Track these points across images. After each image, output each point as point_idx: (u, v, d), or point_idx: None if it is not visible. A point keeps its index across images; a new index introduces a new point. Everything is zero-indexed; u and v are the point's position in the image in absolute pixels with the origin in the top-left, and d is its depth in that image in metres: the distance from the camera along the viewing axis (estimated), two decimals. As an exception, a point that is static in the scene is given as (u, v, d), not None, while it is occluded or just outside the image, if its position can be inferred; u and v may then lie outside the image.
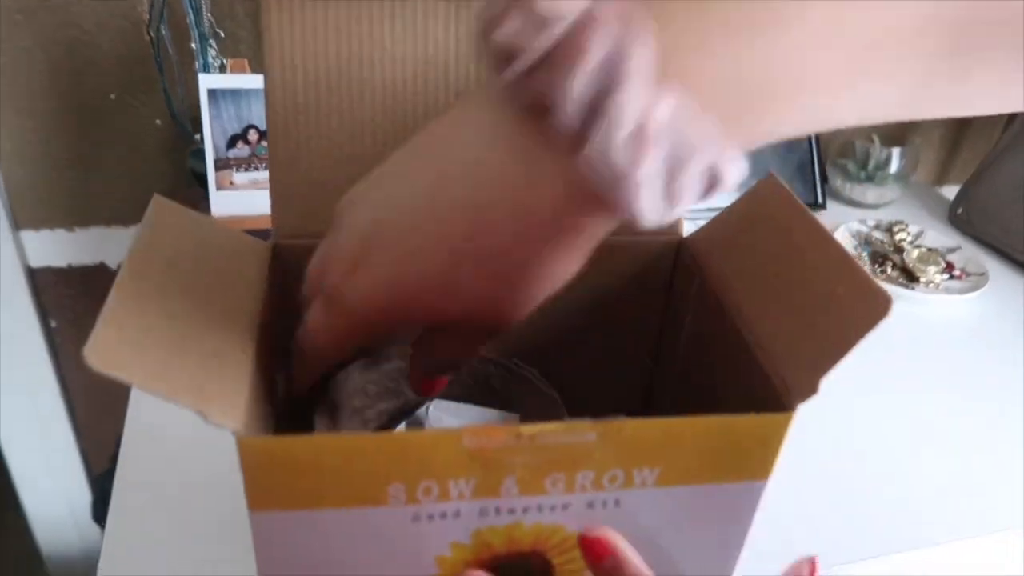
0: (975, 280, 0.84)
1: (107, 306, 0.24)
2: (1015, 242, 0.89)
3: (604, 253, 0.39)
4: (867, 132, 1.00)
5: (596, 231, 0.23)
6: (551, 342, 0.43)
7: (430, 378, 0.32)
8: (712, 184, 0.21)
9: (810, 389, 0.26)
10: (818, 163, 0.99)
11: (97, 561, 0.48)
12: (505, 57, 0.19)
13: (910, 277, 0.84)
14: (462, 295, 0.24)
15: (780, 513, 0.55)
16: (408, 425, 0.39)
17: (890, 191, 0.99)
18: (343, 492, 0.25)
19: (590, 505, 0.27)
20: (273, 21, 0.34)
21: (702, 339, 0.38)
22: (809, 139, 0.99)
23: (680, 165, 0.19)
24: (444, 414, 0.40)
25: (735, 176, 0.21)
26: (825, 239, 0.30)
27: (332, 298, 0.26)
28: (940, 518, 0.56)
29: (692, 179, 0.20)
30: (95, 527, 1.08)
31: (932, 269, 0.84)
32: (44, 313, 0.96)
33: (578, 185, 0.20)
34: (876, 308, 0.25)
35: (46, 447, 1.03)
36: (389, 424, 0.40)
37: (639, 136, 0.19)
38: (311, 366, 0.30)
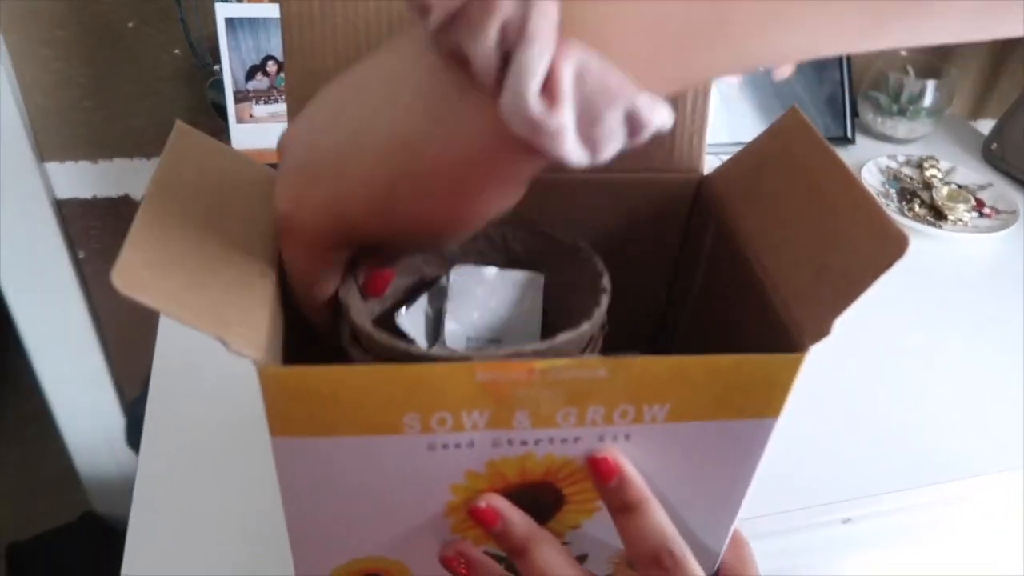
0: (1005, 218, 0.82)
1: (133, 231, 0.24)
2: (1050, 179, 0.87)
3: (623, 188, 0.39)
4: (901, 63, 0.97)
5: (529, 167, 0.24)
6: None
7: (373, 271, 0.33)
8: (636, 129, 0.21)
9: (822, 330, 0.26)
10: (849, 96, 0.96)
11: (132, 483, 0.50)
12: (424, 10, 0.21)
13: (938, 215, 0.82)
14: (400, 218, 0.26)
15: (797, 447, 0.56)
16: (430, 295, 0.38)
17: (922, 125, 0.96)
18: (360, 421, 0.26)
19: (601, 439, 0.28)
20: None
21: (717, 277, 0.38)
22: (840, 71, 0.96)
23: (596, 114, 0.21)
24: (467, 279, 0.38)
25: (658, 119, 0.21)
26: (845, 177, 0.29)
27: (286, 229, 0.28)
28: (957, 457, 0.56)
29: (611, 126, 0.21)
30: (129, 451, 1.13)
31: (961, 207, 0.82)
32: (72, 244, 0.97)
33: (504, 126, 0.21)
34: (892, 249, 0.25)
35: (79, 375, 1.07)
36: (406, 299, 0.39)
37: (548, 90, 0.20)
38: (306, 307, 0.31)
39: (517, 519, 0.30)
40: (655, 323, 0.46)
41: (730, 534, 0.33)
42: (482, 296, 0.37)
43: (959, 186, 0.86)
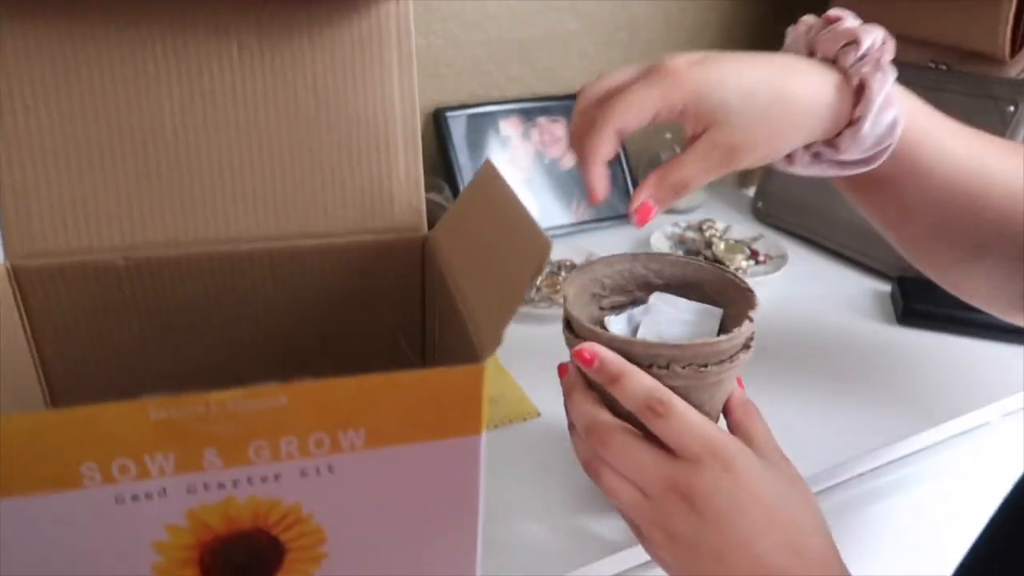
0: (777, 262, 0.91)
1: None
2: (807, 223, 0.98)
3: (350, 251, 0.41)
4: (669, 143, 1.08)
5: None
6: (319, 346, 0.42)
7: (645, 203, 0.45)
8: None
9: (495, 341, 0.27)
10: (630, 177, 1.05)
11: None
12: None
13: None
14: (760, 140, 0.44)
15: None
16: (634, 310, 0.49)
17: (697, 195, 1.07)
18: (33, 476, 0.23)
19: (303, 473, 0.26)
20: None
21: (444, 326, 0.39)
22: (619, 156, 1.05)
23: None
24: (663, 303, 0.49)
25: None
26: (516, 206, 0.32)
27: (664, 72, 0.43)
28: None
29: None
30: None
31: (739, 257, 0.91)
32: None
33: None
34: (537, 253, 0.26)
35: None
36: (617, 311, 0.50)
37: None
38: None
39: (609, 356, 0.38)
40: None
41: (478, 559, 0.32)
42: (673, 316, 0.49)
43: (735, 240, 0.95)
